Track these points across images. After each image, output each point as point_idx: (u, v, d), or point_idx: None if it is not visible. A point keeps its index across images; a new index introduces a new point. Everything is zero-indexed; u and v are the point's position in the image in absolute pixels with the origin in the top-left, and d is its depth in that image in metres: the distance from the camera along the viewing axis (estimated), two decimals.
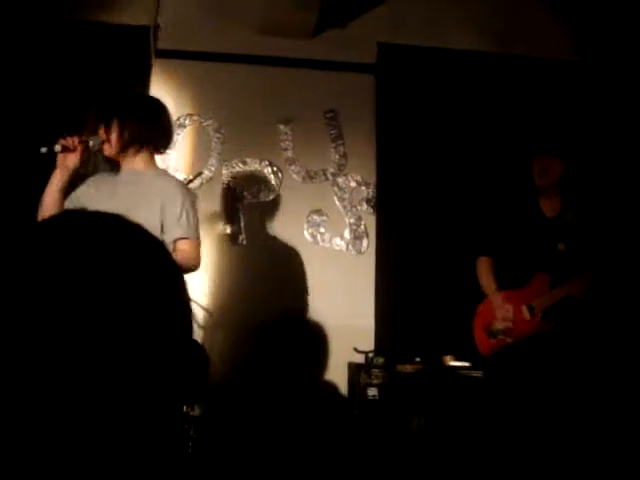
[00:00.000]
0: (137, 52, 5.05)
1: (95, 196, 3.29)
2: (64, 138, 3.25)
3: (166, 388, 0.82)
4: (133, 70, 5.03)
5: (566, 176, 3.90)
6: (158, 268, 0.85)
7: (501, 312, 3.91)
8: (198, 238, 3.33)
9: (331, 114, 5.32)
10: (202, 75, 5.18)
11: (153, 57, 5.09)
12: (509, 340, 3.86)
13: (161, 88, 5.06)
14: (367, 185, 5.29)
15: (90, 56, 4.93)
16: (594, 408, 3.64)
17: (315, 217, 5.20)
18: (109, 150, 3.32)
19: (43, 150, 3.23)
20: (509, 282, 3.97)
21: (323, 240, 5.20)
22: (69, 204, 3.31)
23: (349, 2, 5.35)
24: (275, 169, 5.23)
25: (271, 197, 5.20)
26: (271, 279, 5.02)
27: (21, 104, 4.76)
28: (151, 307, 0.81)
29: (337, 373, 4.90)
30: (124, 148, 3.30)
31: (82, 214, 0.87)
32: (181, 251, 3.19)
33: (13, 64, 4.78)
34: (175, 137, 5.02)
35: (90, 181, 3.51)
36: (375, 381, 4.33)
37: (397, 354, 4.70)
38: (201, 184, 5.05)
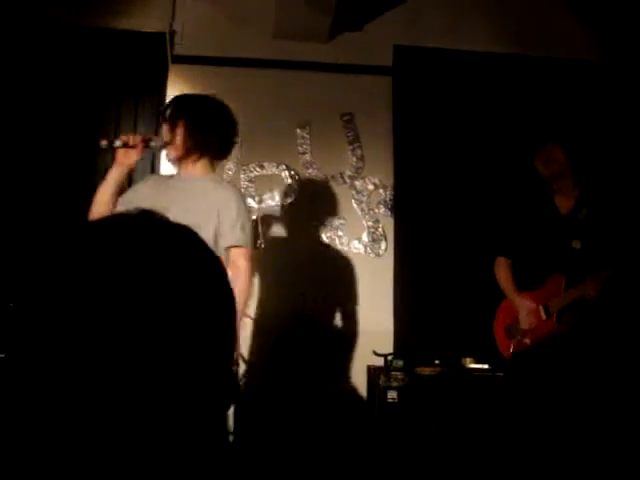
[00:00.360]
0: (154, 58, 5.08)
1: (150, 197, 3.14)
2: (125, 136, 3.20)
3: (209, 391, 0.83)
4: (150, 76, 5.08)
5: (573, 167, 3.87)
6: (207, 280, 0.84)
7: (523, 312, 3.89)
8: (251, 247, 3.26)
9: (348, 117, 5.32)
10: (218, 80, 5.19)
11: (170, 63, 5.12)
12: (527, 341, 3.84)
13: (178, 93, 5.07)
14: (385, 188, 5.29)
15: (107, 63, 4.99)
16: (614, 409, 3.62)
17: (333, 220, 5.20)
18: (171, 153, 3.25)
19: (103, 144, 3.18)
20: (526, 282, 3.95)
21: (341, 243, 5.20)
22: (123, 201, 3.21)
23: (364, 5, 5.36)
24: (293, 173, 5.23)
25: (289, 201, 5.21)
26: (289, 283, 5.02)
27: (40, 111, 4.80)
28: (195, 316, 0.80)
29: (356, 376, 4.90)
30: (187, 153, 3.21)
31: (131, 219, 0.86)
32: (236, 267, 3.12)
33: (32, 72, 4.84)
34: None
35: (147, 181, 3.47)
36: (394, 384, 4.32)
37: (416, 356, 4.69)
38: None
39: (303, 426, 4.77)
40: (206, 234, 3.05)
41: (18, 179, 4.71)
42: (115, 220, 0.87)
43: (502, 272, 4.07)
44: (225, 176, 5.10)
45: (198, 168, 3.26)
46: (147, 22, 5.12)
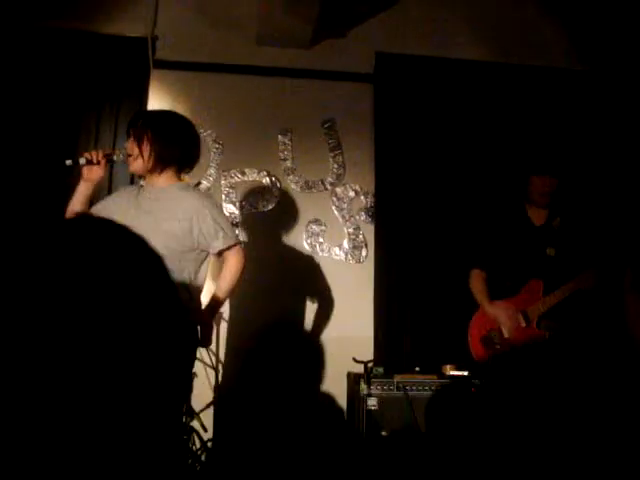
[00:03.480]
0: (135, 63, 5.06)
1: (119, 209, 3.30)
2: (88, 152, 3.38)
3: (159, 391, 0.83)
4: (131, 81, 5.05)
5: (558, 189, 3.95)
6: (149, 277, 0.87)
7: (502, 319, 3.91)
8: (237, 238, 3.50)
9: (329, 124, 5.32)
10: (200, 85, 5.19)
11: (151, 68, 5.10)
12: (507, 350, 3.85)
13: (159, 99, 5.07)
14: (365, 195, 5.30)
15: (88, 67, 4.95)
16: (589, 412, 3.64)
17: (314, 227, 5.20)
18: (135, 166, 3.33)
19: (68, 162, 3.33)
20: (503, 291, 3.98)
21: (322, 250, 5.19)
22: (94, 213, 3.35)
23: (347, 12, 5.36)
24: (274, 179, 5.23)
25: (270, 207, 5.20)
26: (270, 289, 5.01)
27: (20, 115, 4.76)
28: (138, 313, 0.83)
29: (336, 383, 4.88)
30: (153, 166, 3.31)
31: (91, 221, 0.91)
32: (230, 266, 3.40)
33: (11, 75, 4.80)
34: None
35: (115, 194, 3.61)
36: (375, 391, 4.31)
37: (396, 364, 4.69)
38: None
39: (282, 433, 4.76)
40: (173, 237, 3.17)
41: None
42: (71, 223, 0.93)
43: (476, 284, 4.10)
44: (206, 182, 5.09)
45: (163, 179, 3.36)
46: (129, 27, 5.10)
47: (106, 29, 5.05)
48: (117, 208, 3.32)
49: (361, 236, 5.25)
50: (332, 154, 5.31)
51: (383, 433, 4.26)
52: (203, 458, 4.27)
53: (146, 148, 3.27)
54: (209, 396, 4.50)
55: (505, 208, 4.15)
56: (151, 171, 3.32)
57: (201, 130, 5.12)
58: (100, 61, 4.97)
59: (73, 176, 3.67)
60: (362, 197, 5.30)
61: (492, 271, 4.07)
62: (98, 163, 3.33)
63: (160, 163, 3.30)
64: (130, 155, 3.31)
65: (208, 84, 5.20)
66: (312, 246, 5.19)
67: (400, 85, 5.38)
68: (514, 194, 4.04)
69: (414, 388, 4.33)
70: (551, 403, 3.65)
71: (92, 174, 3.36)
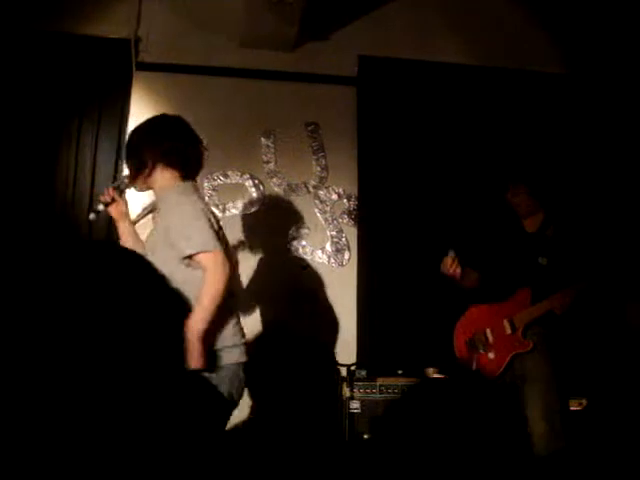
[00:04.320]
0: (118, 65, 5.04)
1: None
2: (102, 195, 3.42)
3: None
4: (114, 83, 5.03)
5: (536, 196, 3.90)
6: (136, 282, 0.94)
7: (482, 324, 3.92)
8: (209, 246, 3.09)
9: (312, 126, 5.33)
10: (183, 88, 5.18)
11: (134, 70, 5.08)
12: (490, 355, 3.85)
13: (142, 101, 5.05)
14: (348, 198, 5.30)
15: (70, 68, 4.92)
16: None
17: (297, 230, 5.20)
18: (139, 186, 3.33)
19: (92, 217, 3.42)
20: (491, 296, 3.96)
21: (305, 253, 5.20)
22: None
23: (330, 15, 5.37)
24: (257, 182, 5.22)
25: (253, 210, 5.19)
26: (253, 292, 5.00)
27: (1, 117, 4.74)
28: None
29: (319, 386, 4.87)
30: (150, 185, 3.29)
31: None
32: (205, 276, 3.05)
33: None
34: None
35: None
36: (357, 394, 4.32)
37: (379, 367, 4.69)
38: None
39: (265, 436, 4.75)
40: (160, 243, 3.12)
41: None
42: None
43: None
44: None
45: (165, 185, 3.25)
46: (112, 28, 5.08)
47: (89, 30, 5.04)
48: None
49: (344, 239, 5.26)
50: (315, 157, 5.31)
51: (365, 436, 4.26)
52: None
53: (143, 166, 3.23)
54: None
55: (496, 212, 4.11)
56: (147, 185, 3.30)
57: None
58: (81, 63, 4.95)
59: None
60: (345, 200, 5.31)
61: (482, 274, 4.05)
62: (114, 200, 3.39)
63: (151, 179, 3.26)
64: (132, 178, 3.32)
65: (191, 86, 5.19)
66: (295, 249, 5.19)
67: (383, 88, 5.40)
68: (504, 199, 4.00)
69: (396, 391, 4.35)
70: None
71: (117, 212, 3.42)
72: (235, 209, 5.17)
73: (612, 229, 4.64)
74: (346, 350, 4.90)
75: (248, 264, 4.96)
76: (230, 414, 3.25)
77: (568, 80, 5.52)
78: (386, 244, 5.21)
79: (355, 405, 4.31)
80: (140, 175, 3.26)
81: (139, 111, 4.96)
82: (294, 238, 5.19)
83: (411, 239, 5.21)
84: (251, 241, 5.12)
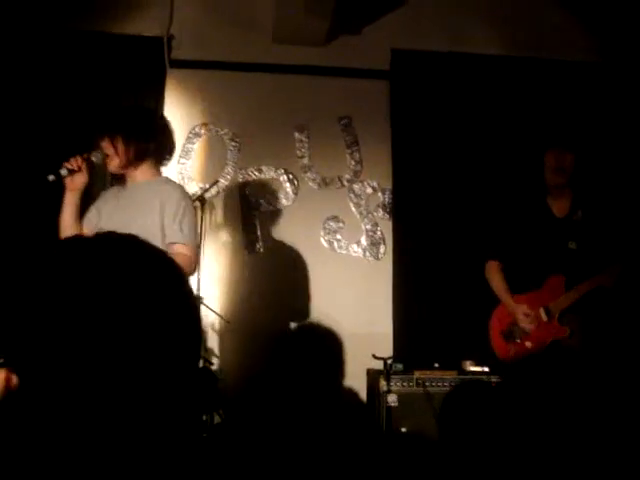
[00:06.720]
0: (151, 63, 5.08)
1: (103, 212, 3.36)
2: (67, 161, 3.31)
3: (175, 392, 0.84)
4: (147, 81, 5.06)
5: (577, 173, 3.86)
6: (158, 278, 0.90)
7: (521, 316, 3.87)
8: (194, 243, 3.33)
9: (346, 120, 5.32)
10: (216, 84, 5.20)
11: (167, 67, 5.12)
12: (528, 344, 3.82)
13: (176, 98, 5.09)
14: (383, 191, 5.29)
15: (105, 67, 4.97)
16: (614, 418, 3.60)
17: (332, 224, 5.20)
18: (113, 164, 3.34)
19: (51, 178, 3.27)
20: (524, 285, 3.92)
21: (340, 247, 5.19)
22: (87, 222, 3.38)
23: (362, 9, 5.36)
24: (291, 176, 5.23)
25: (287, 205, 5.20)
26: (288, 287, 5.02)
27: (37, 115, 4.79)
28: (154, 312, 0.86)
29: (356, 380, 4.88)
30: (128, 163, 3.33)
31: (80, 241, 0.95)
32: (177, 254, 3.13)
33: (30, 76, 4.83)
34: (190, 146, 5.06)
35: (100, 197, 3.57)
36: (394, 387, 4.31)
37: (416, 360, 4.67)
38: (217, 193, 5.06)
39: (302, 431, 4.76)
40: (150, 234, 3.07)
41: (15, 179, 4.67)
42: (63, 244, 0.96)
43: (494, 276, 4.04)
44: (223, 180, 5.10)
45: (141, 173, 3.37)
46: (145, 26, 5.12)
47: (123, 29, 5.08)
48: (102, 213, 3.36)
49: (379, 232, 5.24)
50: (349, 151, 5.31)
51: (403, 429, 4.25)
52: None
53: (120, 146, 3.28)
54: None
55: (525, 200, 4.07)
56: (128, 167, 3.34)
57: (218, 128, 5.17)
58: (117, 61, 5.00)
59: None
60: (379, 193, 5.29)
61: (511, 263, 4.02)
62: (79, 169, 3.30)
63: (135, 159, 3.32)
64: (107, 155, 3.31)
65: (224, 83, 5.21)
66: (330, 243, 5.19)
67: (416, 81, 5.37)
68: (535, 186, 3.96)
69: (434, 384, 4.33)
70: (573, 406, 3.61)
71: (76, 182, 3.32)
72: (269, 204, 5.18)
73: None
74: (383, 343, 4.88)
75: (283, 258, 4.97)
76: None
77: (602, 69, 5.45)
78: (421, 237, 5.19)
79: (392, 398, 4.30)
80: (125, 160, 3.31)
81: (173, 108, 5.00)
82: (329, 232, 5.19)
83: (446, 231, 5.18)
84: (285, 236, 5.13)
